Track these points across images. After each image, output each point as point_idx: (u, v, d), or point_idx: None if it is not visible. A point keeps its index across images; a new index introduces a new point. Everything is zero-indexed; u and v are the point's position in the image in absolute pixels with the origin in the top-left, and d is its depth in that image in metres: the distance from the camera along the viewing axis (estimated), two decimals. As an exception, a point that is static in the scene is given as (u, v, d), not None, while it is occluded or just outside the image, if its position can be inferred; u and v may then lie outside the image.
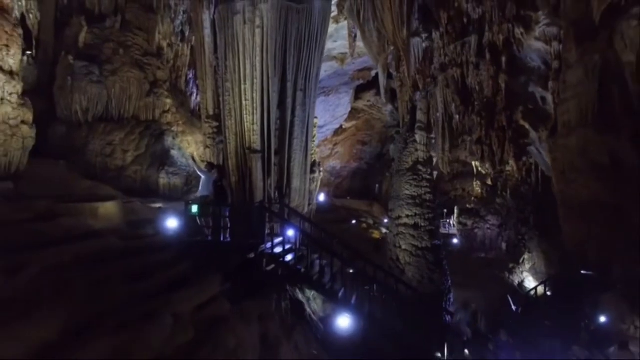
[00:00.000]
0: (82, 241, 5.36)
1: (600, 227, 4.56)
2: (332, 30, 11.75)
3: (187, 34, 12.13)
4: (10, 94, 7.07)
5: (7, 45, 6.89)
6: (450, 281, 7.89)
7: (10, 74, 7.05)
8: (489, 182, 13.64)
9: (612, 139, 4.42)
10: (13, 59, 7.11)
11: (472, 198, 14.05)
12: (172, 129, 10.46)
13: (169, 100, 10.71)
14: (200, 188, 6.41)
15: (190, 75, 14.03)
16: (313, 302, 7.23)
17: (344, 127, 22.81)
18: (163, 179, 9.50)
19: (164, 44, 11.41)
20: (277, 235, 6.37)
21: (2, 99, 6.92)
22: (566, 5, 5.13)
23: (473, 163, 12.32)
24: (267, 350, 4.45)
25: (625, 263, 4.44)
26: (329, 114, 21.90)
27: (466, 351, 6.34)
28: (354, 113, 22.00)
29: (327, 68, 16.38)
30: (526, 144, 6.35)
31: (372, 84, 20.47)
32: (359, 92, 20.92)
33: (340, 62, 17.19)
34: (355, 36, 10.09)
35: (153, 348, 3.46)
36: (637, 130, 4.00)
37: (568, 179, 4.95)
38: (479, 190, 13.96)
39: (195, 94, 14.31)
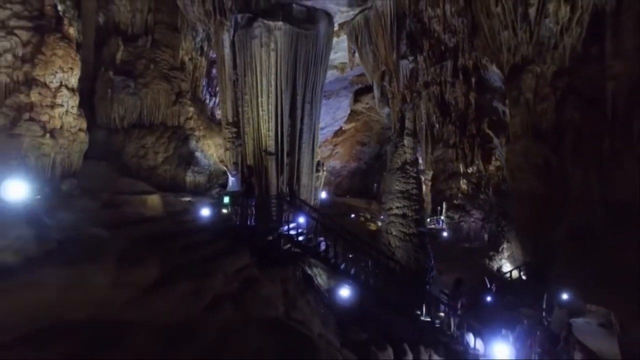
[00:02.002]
0: (143, 224, 6.99)
1: (535, 212, 6.11)
2: (333, 42, 13.28)
3: (205, 49, 13.67)
4: (72, 107, 8.63)
5: (71, 68, 8.45)
6: (432, 261, 9.46)
7: (73, 90, 8.61)
8: (474, 180, 15.19)
9: (543, 147, 5.94)
10: (74, 78, 8.68)
11: (459, 194, 15.59)
12: (195, 133, 12.02)
13: (191, 108, 12.27)
14: (230, 184, 7.97)
15: (204, 83, 15.59)
16: (319, 277, 8.80)
17: (343, 128, 23.88)
18: (189, 177, 11.06)
19: (186, 58, 12.97)
20: (291, 221, 7.95)
21: (66, 111, 8.47)
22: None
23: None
24: (288, 301, 6.02)
25: (549, 237, 5.94)
26: (330, 116, 23.00)
27: (442, 313, 7.94)
28: (353, 115, 23.02)
29: (328, 75, 17.74)
30: (491, 148, 7.92)
31: (370, 88, 21.04)
32: (358, 95, 21.83)
33: (340, 70, 18.72)
34: (354, 52, 11.64)
35: (214, 290, 5.06)
36: (557, 140, 5.51)
37: (515, 176, 6.48)
38: (465, 188, 15.50)
39: (208, 100, 15.89)
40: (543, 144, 5.85)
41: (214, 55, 13.65)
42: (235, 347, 3.97)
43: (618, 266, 4.72)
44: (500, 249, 13.48)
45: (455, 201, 15.59)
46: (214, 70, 16.18)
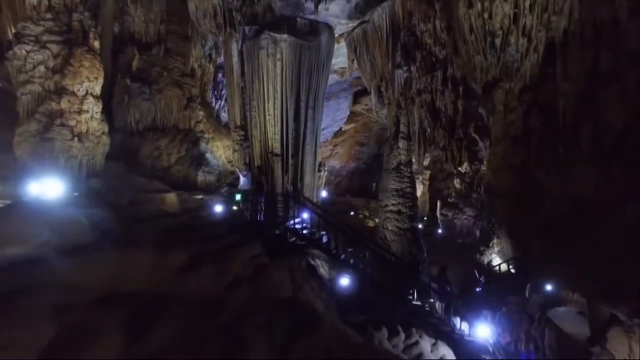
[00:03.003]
0: (166, 218, 7.85)
1: (514, 209, 6.95)
2: (334, 50, 14.11)
3: (213, 56, 14.52)
4: (96, 112, 9.49)
5: (96, 78, 9.31)
6: (425, 253, 10.32)
7: (97, 98, 9.47)
8: (467, 180, 16.06)
9: (520, 150, 6.79)
10: (98, 87, 9.53)
11: (453, 194, 16.49)
12: (205, 136, 12.87)
13: (201, 113, 13.12)
14: (242, 183, 8.83)
15: (211, 88, 16.44)
16: (322, 268, 9.64)
17: (343, 129, 24.29)
18: (200, 177, 11.92)
19: (196, 65, 13.82)
20: (296, 217, 8.79)
21: (92, 117, 9.33)
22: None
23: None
24: (296, 286, 6.85)
25: (525, 232, 6.76)
26: (330, 118, 23.53)
27: (432, 300, 8.80)
28: (352, 116, 23.44)
29: (329, 79, 18.70)
30: (477, 151, 8.75)
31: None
32: (357, 97, 22.32)
33: (340, 75, 19.53)
34: (354, 61, 12.50)
35: (234, 273, 5.92)
36: (526, 145, 6.36)
37: (496, 176, 7.30)
38: (459, 187, 16.39)
39: (214, 103, 16.75)
40: (519, 147, 6.70)
41: (221, 61, 14.52)
42: (255, 318, 4.82)
43: (579, 254, 5.57)
44: (490, 245, 14.34)
45: (449, 200, 16.50)
46: (220, 75, 17.06)
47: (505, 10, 6.04)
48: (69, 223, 4.68)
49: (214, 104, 16.57)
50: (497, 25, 6.16)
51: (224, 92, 17.07)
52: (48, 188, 7.38)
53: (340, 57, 16.85)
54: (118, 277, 4.41)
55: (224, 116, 16.50)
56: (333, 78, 19.64)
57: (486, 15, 6.12)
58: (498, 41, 6.26)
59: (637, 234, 4.85)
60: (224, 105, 17.04)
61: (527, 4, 5.93)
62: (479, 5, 6.30)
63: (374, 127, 24.50)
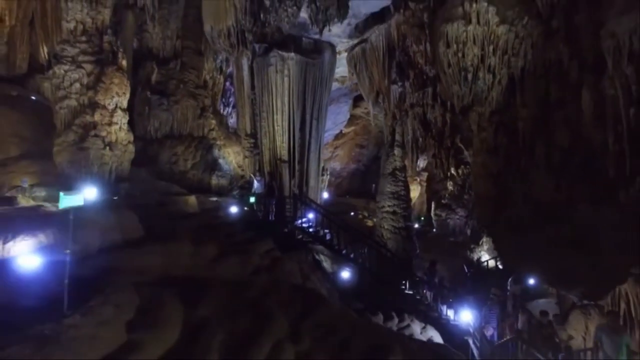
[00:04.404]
0: (191, 218, 9.02)
1: (490, 210, 8.12)
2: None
3: (223, 68, 15.67)
4: (124, 123, 10.64)
5: (124, 93, 10.46)
6: (417, 249, 11.50)
7: (124, 111, 10.63)
8: (460, 182, 17.21)
9: (497, 159, 7.97)
10: (125, 100, 10.69)
11: (446, 195, 17.65)
12: (217, 142, 14.00)
13: (213, 121, 14.25)
14: (255, 187, 10.00)
15: (219, 97, 17.56)
16: (325, 262, 10.83)
17: (343, 132, 24.99)
18: (214, 180, 13.06)
19: (207, 77, 14.95)
20: (303, 217, 9.97)
21: (120, 128, 10.48)
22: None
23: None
24: (304, 275, 8.04)
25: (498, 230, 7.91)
26: (331, 121, 24.28)
27: (422, 290, 9.99)
28: (352, 119, 24.14)
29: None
30: (462, 159, 9.95)
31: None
32: (357, 101, 22.91)
33: (340, 83, 20.69)
34: (353, 74, 13.69)
35: (254, 263, 7.10)
36: (497, 156, 7.54)
37: (477, 182, 8.48)
38: (452, 189, 17.54)
39: (222, 110, 17.89)
40: (497, 156, 7.89)
41: (230, 70, 15.67)
42: (274, 297, 5.99)
43: (540, 248, 6.74)
44: (480, 242, 15.47)
45: (442, 201, 17.66)
46: (227, 84, 18.21)
47: (474, 51, 7.45)
48: (127, 222, 5.84)
49: (222, 111, 17.71)
50: (469, 63, 7.53)
51: (230, 99, 18.25)
52: (87, 192, 8.52)
53: (341, 66, 18.10)
54: (167, 264, 5.58)
55: (231, 121, 17.65)
56: (334, 85, 20.69)
57: (460, 55, 7.46)
58: (469, 75, 7.55)
59: (583, 229, 6.03)
60: (230, 112, 18.21)
61: (491, 47, 7.34)
62: (454, 46, 7.68)
63: (373, 130, 25.07)
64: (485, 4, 7.32)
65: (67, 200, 3.38)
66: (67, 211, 3.42)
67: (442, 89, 8.78)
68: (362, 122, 25.00)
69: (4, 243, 4.39)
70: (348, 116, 24.02)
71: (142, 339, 3.41)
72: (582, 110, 5.54)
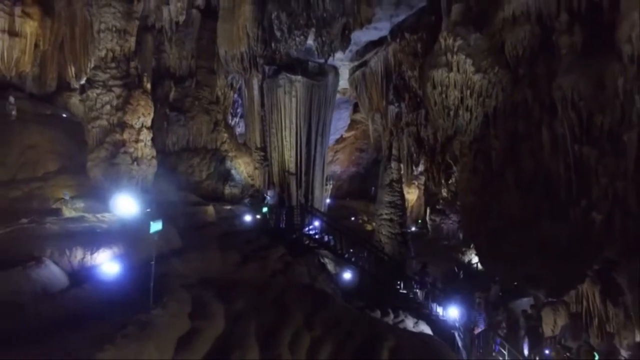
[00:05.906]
0: (212, 226, 10.25)
1: (474, 220, 9.37)
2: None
3: (234, 85, 16.91)
4: (148, 140, 11.86)
5: (149, 113, 11.67)
6: (413, 254, 12.76)
7: (148, 129, 11.85)
8: (453, 189, 18.47)
9: (480, 175, 9.22)
10: (149, 120, 11.91)
11: (440, 201, 18.92)
12: (229, 154, 15.23)
13: (225, 134, 15.47)
14: (269, 198, 11.25)
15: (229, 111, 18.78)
16: (329, 265, 12.09)
17: (344, 136, 25.87)
18: (227, 190, 14.29)
19: (219, 93, 16.18)
20: (309, 224, 11.22)
21: (145, 144, 11.70)
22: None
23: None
24: (312, 278, 9.28)
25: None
26: (332, 127, 25.66)
27: (415, 290, 11.25)
28: (352, 124, 24.91)
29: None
30: (452, 172, 11.21)
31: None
32: (357, 106, 23.75)
33: (342, 94, 22.00)
34: (353, 93, 14.93)
35: (271, 267, 8.35)
36: (484, 177, 8.79)
37: (463, 195, 9.75)
38: (446, 195, 18.80)
39: (230, 120, 19.11)
40: (479, 174, 9.15)
41: (239, 84, 16.88)
42: (290, 295, 7.23)
43: (511, 254, 8.00)
44: (471, 246, 16.74)
45: (437, 207, 18.94)
46: (235, 95, 19.45)
47: (455, 94, 8.98)
48: (169, 233, 7.08)
49: (230, 121, 18.93)
50: (451, 102, 9.00)
51: (238, 110, 19.49)
52: (122, 204, 9.74)
53: (342, 80, 19.41)
54: (203, 268, 6.82)
55: (238, 130, 18.88)
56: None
57: (444, 95, 8.91)
58: (452, 112, 8.91)
59: (546, 238, 7.29)
60: (238, 122, 19.45)
61: (469, 91, 8.78)
62: (439, 88, 9.15)
63: (373, 134, 26.22)
64: (464, 56, 8.87)
65: (155, 226, 4.61)
66: (151, 233, 4.62)
67: (431, 121, 10.09)
68: (362, 127, 25.70)
69: (92, 254, 5.62)
70: (348, 121, 24.93)
71: (201, 326, 4.65)
72: (543, 143, 6.82)
